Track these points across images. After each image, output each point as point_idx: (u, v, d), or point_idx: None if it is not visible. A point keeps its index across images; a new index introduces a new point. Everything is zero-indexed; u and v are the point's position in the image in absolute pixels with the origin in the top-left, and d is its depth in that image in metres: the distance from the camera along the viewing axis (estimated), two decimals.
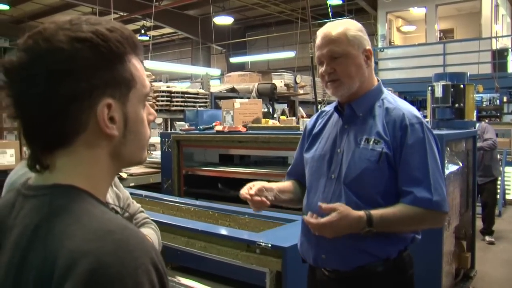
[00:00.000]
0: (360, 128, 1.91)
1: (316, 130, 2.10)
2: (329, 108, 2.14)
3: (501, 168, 7.89)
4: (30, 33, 0.84)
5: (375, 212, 1.76)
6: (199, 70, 16.59)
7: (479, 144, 5.97)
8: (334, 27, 1.92)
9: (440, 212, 1.83)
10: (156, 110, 6.53)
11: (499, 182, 7.48)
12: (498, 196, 7.49)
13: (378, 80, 2.01)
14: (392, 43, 14.65)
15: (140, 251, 0.75)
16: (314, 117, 2.20)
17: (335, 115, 2.03)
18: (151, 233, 1.89)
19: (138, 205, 2.05)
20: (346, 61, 1.88)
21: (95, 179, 0.87)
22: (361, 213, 1.75)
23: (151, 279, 0.74)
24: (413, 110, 1.93)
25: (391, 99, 1.96)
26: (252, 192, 1.93)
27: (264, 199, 1.92)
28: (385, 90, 2.00)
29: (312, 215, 1.79)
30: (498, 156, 7.59)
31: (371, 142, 1.85)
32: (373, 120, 1.90)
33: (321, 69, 1.93)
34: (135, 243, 0.76)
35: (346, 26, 1.92)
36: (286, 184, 2.16)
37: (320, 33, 1.95)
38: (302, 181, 2.12)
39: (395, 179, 1.83)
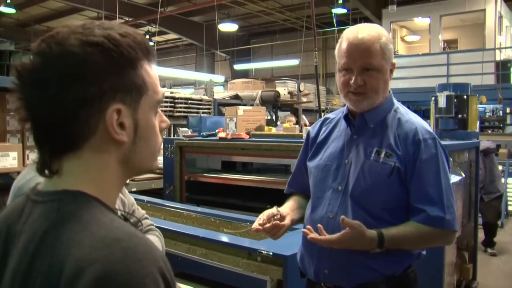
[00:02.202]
0: (370, 139, 1.84)
1: (320, 138, 2.01)
2: (333, 115, 2.06)
3: (502, 179, 7.88)
4: (43, 37, 0.84)
5: (387, 233, 1.70)
6: (203, 76, 16.64)
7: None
8: (369, 34, 1.78)
9: (451, 231, 1.78)
10: None
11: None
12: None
13: (389, 91, 1.92)
14: (396, 53, 14.67)
15: (148, 259, 0.74)
16: (318, 124, 2.10)
17: (343, 124, 1.94)
18: (155, 240, 1.88)
19: (143, 211, 2.04)
20: (378, 75, 1.78)
21: (105, 185, 0.86)
22: (374, 234, 1.69)
23: None
24: (426, 124, 1.87)
25: (403, 111, 1.90)
26: (261, 221, 1.82)
27: (276, 222, 1.82)
28: (395, 101, 1.93)
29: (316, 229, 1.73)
30: (501, 168, 7.58)
31: (382, 155, 1.78)
32: (384, 132, 1.83)
33: (347, 76, 1.80)
34: (143, 251, 0.75)
35: (378, 35, 1.79)
36: (292, 203, 2.05)
37: (352, 37, 1.79)
38: (305, 192, 2.05)
39: (405, 195, 1.77)
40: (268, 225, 1.81)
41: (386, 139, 1.81)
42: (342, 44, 1.82)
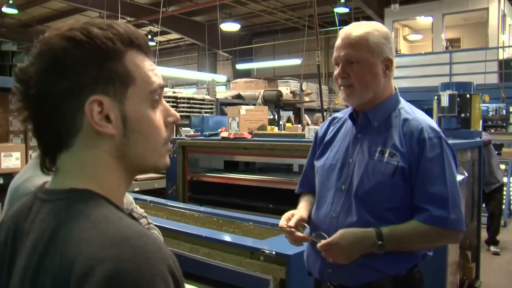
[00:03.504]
0: (374, 138, 1.83)
1: (328, 137, 2.01)
2: (341, 114, 2.06)
3: (505, 179, 7.87)
4: (37, 40, 0.86)
5: (384, 227, 1.71)
6: (205, 76, 16.68)
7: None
8: (357, 29, 1.81)
9: (456, 230, 1.76)
10: None
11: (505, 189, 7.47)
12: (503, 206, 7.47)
13: (395, 89, 1.91)
14: (399, 52, 14.65)
15: (158, 258, 0.74)
16: (326, 123, 2.10)
17: (349, 123, 1.95)
18: None
19: (141, 210, 2.04)
20: (362, 68, 1.78)
21: (108, 183, 0.86)
22: (370, 230, 1.70)
23: (168, 287, 0.74)
24: (432, 122, 1.84)
25: (409, 109, 1.88)
26: (292, 223, 1.82)
27: (306, 236, 1.82)
28: (402, 99, 1.91)
29: (316, 236, 1.77)
30: (504, 167, 7.55)
31: (386, 155, 1.77)
32: (389, 131, 1.81)
33: (336, 71, 1.85)
34: (152, 250, 0.75)
35: (370, 30, 1.81)
36: (305, 204, 2.04)
37: (342, 32, 1.85)
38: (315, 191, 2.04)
39: (410, 194, 1.76)
40: (300, 235, 1.82)
41: (391, 139, 1.79)
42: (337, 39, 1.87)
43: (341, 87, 1.85)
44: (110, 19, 0.93)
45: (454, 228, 1.74)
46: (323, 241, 1.73)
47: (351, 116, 1.93)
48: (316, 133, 2.12)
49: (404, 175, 1.75)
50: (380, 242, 1.68)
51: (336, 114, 2.11)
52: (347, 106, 2.00)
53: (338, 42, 1.84)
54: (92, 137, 0.84)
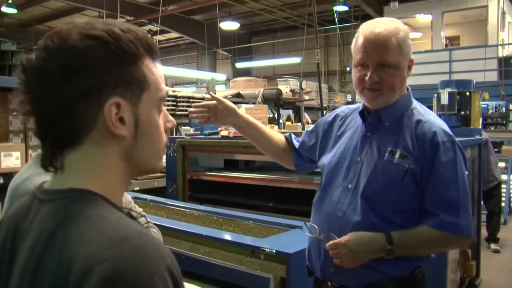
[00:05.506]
0: (384, 138, 1.78)
1: (334, 134, 1.98)
2: (343, 113, 2.01)
3: (505, 176, 7.88)
4: (48, 33, 0.85)
5: (393, 232, 1.68)
6: (205, 75, 16.68)
7: None
8: (386, 29, 1.71)
9: (465, 237, 1.74)
10: None
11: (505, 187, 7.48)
12: (503, 204, 7.48)
13: (408, 89, 1.85)
14: None
15: (157, 257, 0.74)
16: (331, 117, 2.05)
17: (358, 120, 1.89)
18: None
19: (140, 209, 2.04)
20: (394, 72, 1.72)
21: (109, 183, 0.86)
22: (379, 234, 1.68)
23: (167, 286, 0.74)
24: (445, 126, 1.80)
25: (422, 110, 1.83)
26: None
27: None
28: (413, 99, 1.87)
29: (326, 238, 1.75)
30: (504, 164, 7.55)
31: (397, 156, 1.72)
32: (400, 132, 1.77)
33: (362, 72, 1.75)
34: (151, 250, 0.75)
35: (398, 31, 1.72)
36: (268, 129, 2.17)
37: (368, 31, 1.73)
38: (287, 140, 2.16)
39: (419, 197, 1.72)
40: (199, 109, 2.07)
41: (402, 140, 1.75)
42: (359, 39, 1.76)
43: (365, 89, 1.76)
44: (109, 19, 0.93)
45: (464, 234, 1.72)
46: (331, 241, 1.72)
47: (361, 113, 1.88)
48: (319, 123, 2.09)
49: (414, 177, 1.71)
50: (389, 247, 1.66)
51: (337, 112, 2.06)
52: (347, 103, 1.98)
53: (365, 42, 1.73)
54: (103, 137, 0.84)
